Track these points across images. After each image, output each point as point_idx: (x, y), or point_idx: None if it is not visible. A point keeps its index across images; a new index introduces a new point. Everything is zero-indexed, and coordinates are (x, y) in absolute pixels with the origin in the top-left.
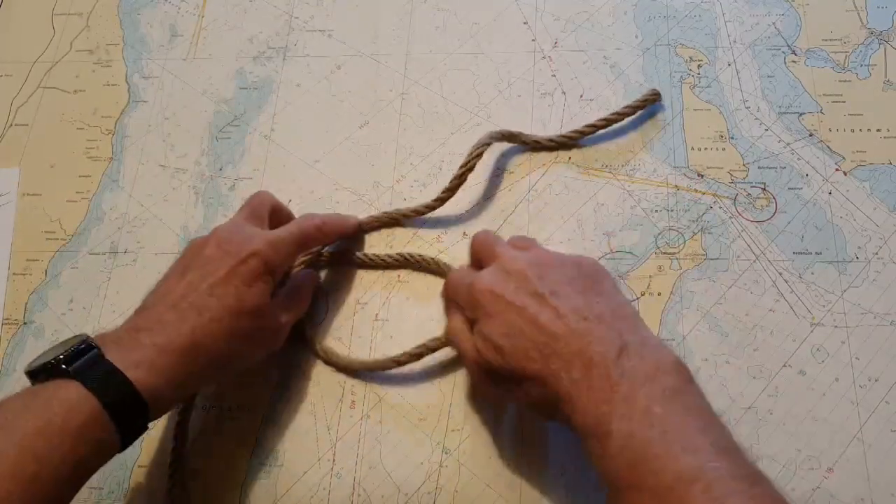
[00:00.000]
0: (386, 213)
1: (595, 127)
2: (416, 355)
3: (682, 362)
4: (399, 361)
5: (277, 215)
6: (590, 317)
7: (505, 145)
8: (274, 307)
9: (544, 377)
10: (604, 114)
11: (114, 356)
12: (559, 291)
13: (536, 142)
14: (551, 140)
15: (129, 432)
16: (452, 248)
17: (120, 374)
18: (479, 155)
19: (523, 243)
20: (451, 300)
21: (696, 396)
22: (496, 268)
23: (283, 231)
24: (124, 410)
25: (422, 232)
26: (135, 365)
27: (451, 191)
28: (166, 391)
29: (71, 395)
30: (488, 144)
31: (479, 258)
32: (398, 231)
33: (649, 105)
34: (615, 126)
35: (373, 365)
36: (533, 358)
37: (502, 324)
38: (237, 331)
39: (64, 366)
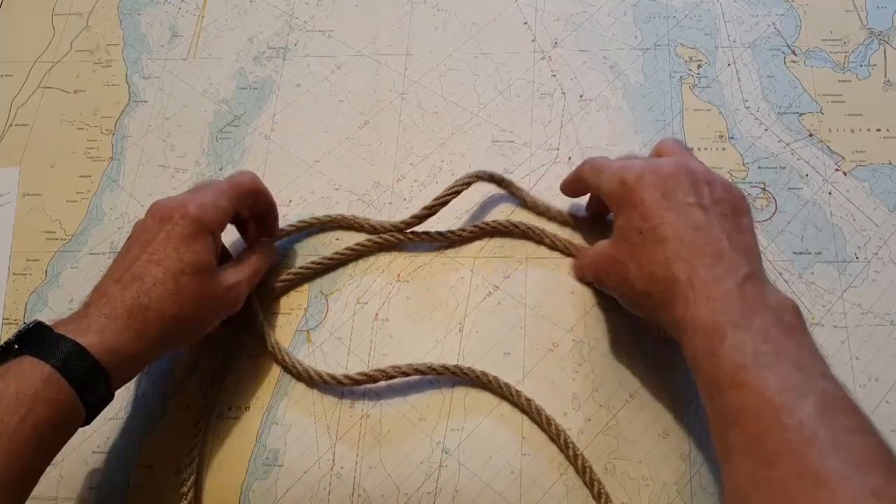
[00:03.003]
0: (342, 216)
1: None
2: (371, 377)
3: (798, 308)
4: (356, 380)
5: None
6: (727, 240)
7: (506, 148)
8: (222, 268)
9: (666, 278)
10: (603, 115)
11: (63, 330)
12: (707, 206)
13: (524, 200)
14: (537, 204)
15: (89, 397)
16: (452, 248)
17: (68, 340)
18: (458, 192)
19: (674, 147)
20: (589, 181)
21: (809, 338)
22: (650, 162)
23: (214, 189)
24: (77, 372)
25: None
26: (83, 332)
27: (419, 218)
28: (121, 354)
29: (24, 367)
30: (468, 185)
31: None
32: None
33: None
34: (615, 126)
35: (326, 379)
36: (661, 260)
37: (642, 220)
38: (182, 290)
39: (17, 346)
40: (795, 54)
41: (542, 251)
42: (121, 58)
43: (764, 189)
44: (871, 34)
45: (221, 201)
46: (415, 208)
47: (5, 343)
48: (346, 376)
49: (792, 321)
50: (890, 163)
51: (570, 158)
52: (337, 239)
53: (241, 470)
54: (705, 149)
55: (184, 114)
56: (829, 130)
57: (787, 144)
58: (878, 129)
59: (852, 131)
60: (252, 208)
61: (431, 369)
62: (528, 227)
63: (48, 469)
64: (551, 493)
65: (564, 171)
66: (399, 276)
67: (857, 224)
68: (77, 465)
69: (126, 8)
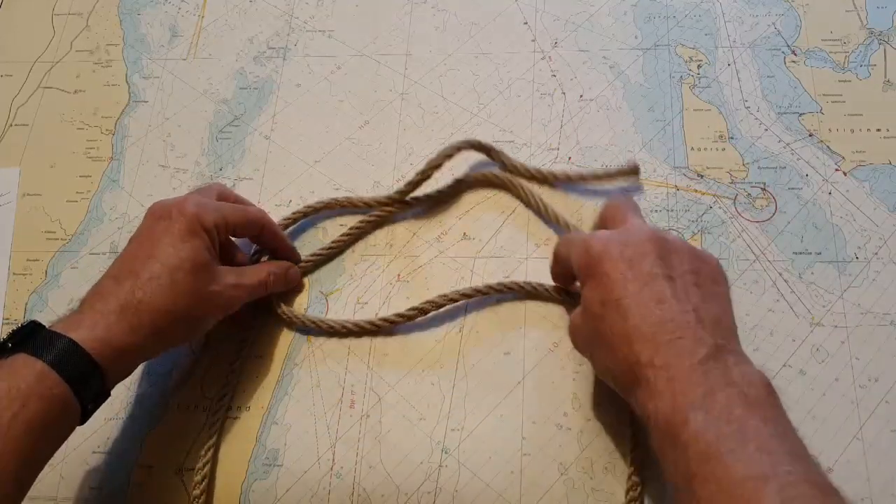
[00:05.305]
0: (335, 199)
1: (570, 178)
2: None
3: (769, 381)
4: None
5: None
6: (693, 313)
7: (506, 148)
8: (221, 268)
9: (628, 357)
10: (603, 115)
11: (56, 327)
12: (675, 277)
13: (515, 166)
14: (527, 169)
15: (84, 392)
16: (453, 248)
17: (60, 336)
18: (449, 156)
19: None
20: (562, 256)
21: (778, 410)
22: (619, 232)
23: (218, 199)
24: (70, 366)
25: (421, 233)
26: (75, 328)
27: (413, 185)
28: (114, 347)
29: (17, 364)
30: (453, 154)
31: (607, 222)
32: (397, 231)
33: (627, 177)
34: (615, 126)
35: (357, 327)
36: (622, 335)
37: (604, 292)
38: (177, 286)
39: (10, 344)
40: (795, 54)
41: (542, 251)
42: (121, 58)
43: (764, 189)
44: (871, 34)
45: (223, 208)
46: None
47: (0, 342)
48: (398, 314)
49: (758, 395)
50: (890, 163)
51: (569, 158)
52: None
53: (241, 470)
54: (705, 149)
55: (184, 114)
56: (829, 130)
57: (787, 144)
58: (878, 129)
59: (852, 131)
60: (259, 241)
61: (477, 291)
62: (508, 180)
63: (48, 469)
64: (551, 493)
65: None
66: (399, 276)
67: (857, 224)
68: (77, 466)
69: (126, 8)
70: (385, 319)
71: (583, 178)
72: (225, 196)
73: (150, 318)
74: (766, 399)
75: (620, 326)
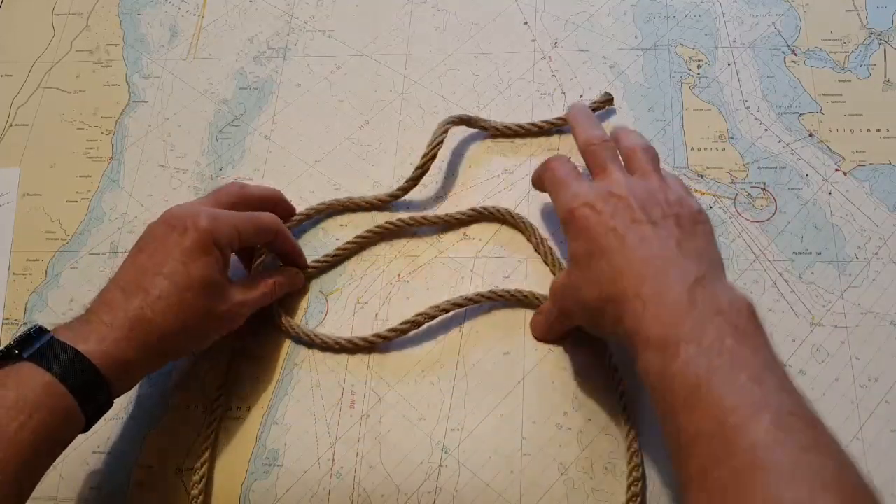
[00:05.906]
0: (337, 200)
1: (553, 124)
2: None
3: (754, 307)
4: (382, 337)
5: (245, 206)
6: (676, 248)
7: (503, 145)
8: (229, 284)
9: (615, 295)
10: (603, 115)
11: (64, 336)
12: (656, 220)
13: (496, 128)
14: (508, 127)
15: (89, 404)
16: (452, 248)
17: (68, 347)
18: (440, 142)
19: (636, 163)
20: (546, 187)
21: (765, 338)
22: (602, 185)
23: (232, 211)
24: (78, 380)
25: (421, 232)
26: (83, 339)
27: (414, 180)
28: (121, 363)
29: (23, 372)
30: (443, 138)
31: (589, 164)
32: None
33: (604, 108)
34: (615, 126)
35: (348, 344)
36: (609, 276)
37: (591, 244)
38: (186, 306)
39: (17, 350)
40: (795, 54)
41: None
42: (121, 58)
43: (764, 189)
44: (871, 34)
45: (237, 221)
46: (415, 209)
47: (6, 348)
48: (391, 329)
49: (747, 326)
50: (890, 163)
51: (570, 159)
52: (338, 236)
53: (241, 470)
54: (705, 149)
55: (184, 114)
56: (829, 130)
57: (787, 144)
58: (878, 129)
59: (852, 131)
60: (272, 247)
61: (468, 300)
62: (523, 222)
63: (48, 469)
64: (551, 493)
65: None
66: (399, 276)
67: (857, 224)
68: (77, 466)
69: (126, 8)
70: (378, 335)
71: (564, 120)
72: (244, 197)
73: (158, 337)
74: (754, 327)
75: (607, 268)
